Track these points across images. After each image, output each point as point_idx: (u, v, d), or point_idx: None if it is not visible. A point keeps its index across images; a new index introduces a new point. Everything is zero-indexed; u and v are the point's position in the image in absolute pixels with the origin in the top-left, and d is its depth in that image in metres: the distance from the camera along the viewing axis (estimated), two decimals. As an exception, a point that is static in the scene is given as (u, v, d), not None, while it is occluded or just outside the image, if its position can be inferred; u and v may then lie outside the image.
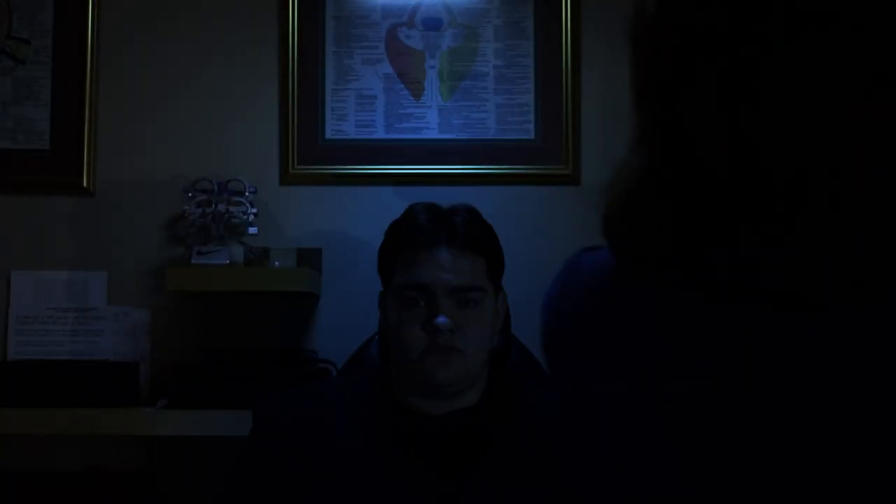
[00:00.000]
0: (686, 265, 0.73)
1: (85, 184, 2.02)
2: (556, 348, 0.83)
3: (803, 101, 0.68)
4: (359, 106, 2.05)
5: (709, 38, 0.71)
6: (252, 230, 1.92)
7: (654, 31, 0.76)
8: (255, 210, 1.93)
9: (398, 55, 2.07)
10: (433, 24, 2.07)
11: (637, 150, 0.78)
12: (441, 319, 1.37)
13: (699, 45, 0.72)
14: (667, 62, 0.74)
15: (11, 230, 2.02)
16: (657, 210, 0.74)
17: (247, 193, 1.92)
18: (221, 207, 1.90)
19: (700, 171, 0.72)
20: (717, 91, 0.71)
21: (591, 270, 0.82)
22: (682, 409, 0.74)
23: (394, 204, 1.56)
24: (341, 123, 2.05)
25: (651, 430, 0.75)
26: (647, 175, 0.76)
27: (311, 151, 2.03)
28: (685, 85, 0.72)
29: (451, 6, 2.07)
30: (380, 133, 2.04)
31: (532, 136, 2.03)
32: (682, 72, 0.73)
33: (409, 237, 1.44)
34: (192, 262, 1.86)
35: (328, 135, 2.05)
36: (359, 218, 2.01)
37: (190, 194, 1.91)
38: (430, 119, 2.05)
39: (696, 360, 0.73)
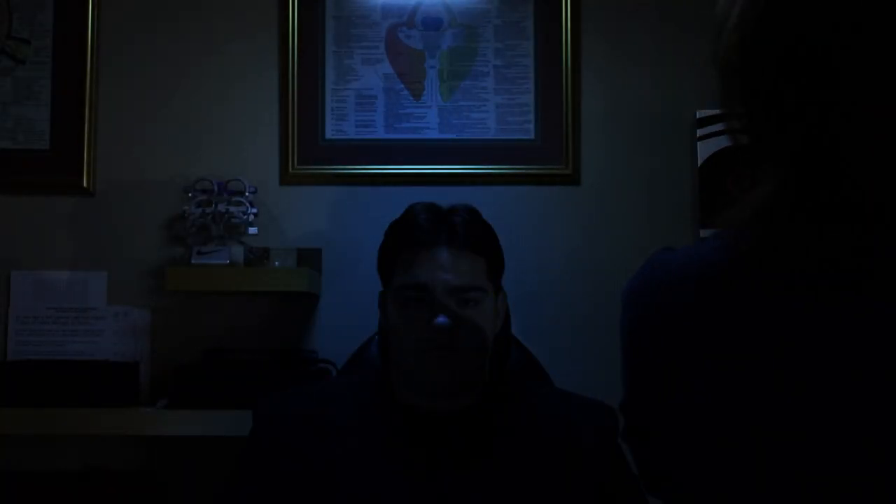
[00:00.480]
0: (831, 277, 0.71)
1: (85, 184, 2.02)
2: (640, 343, 0.80)
3: None
4: (359, 106, 2.05)
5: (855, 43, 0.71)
6: (252, 230, 1.92)
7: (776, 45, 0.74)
8: (255, 210, 1.93)
9: (398, 55, 2.07)
10: (433, 24, 2.07)
11: (764, 170, 0.76)
12: (441, 319, 1.37)
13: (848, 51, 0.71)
14: (803, 73, 0.72)
15: (11, 230, 2.02)
16: (802, 230, 0.72)
17: (247, 193, 1.93)
18: (221, 207, 1.90)
19: (853, 188, 0.71)
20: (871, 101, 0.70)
21: (683, 269, 0.79)
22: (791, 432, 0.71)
23: (394, 204, 1.56)
24: (341, 123, 2.05)
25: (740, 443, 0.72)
26: (784, 197, 0.74)
27: (311, 151, 2.03)
28: (833, 101, 0.71)
29: (451, 6, 2.07)
30: (380, 133, 2.04)
31: (532, 136, 2.03)
32: (828, 85, 0.71)
33: (409, 237, 1.44)
34: (192, 262, 1.86)
35: (328, 135, 2.05)
36: (359, 218, 2.01)
37: (190, 194, 1.91)
38: (430, 119, 2.05)
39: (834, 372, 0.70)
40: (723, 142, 1.91)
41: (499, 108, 2.05)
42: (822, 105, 0.72)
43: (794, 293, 0.72)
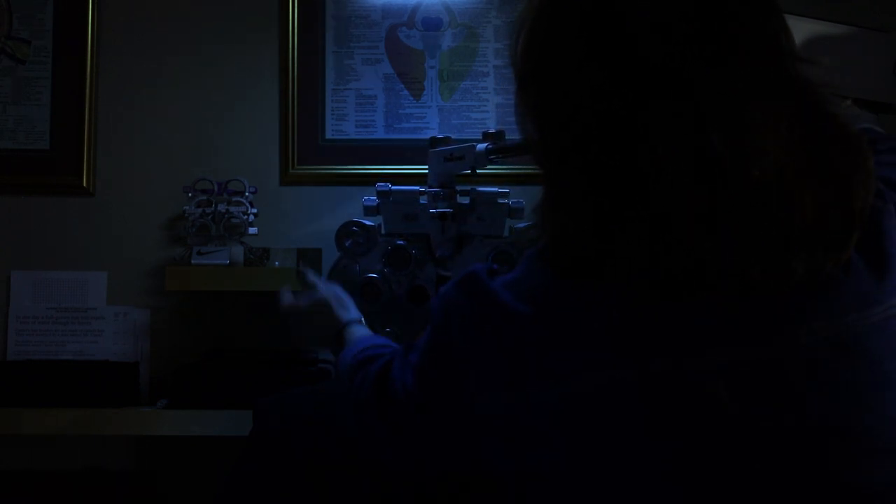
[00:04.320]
0: (642, 267, 0.77)
1: (85, 184, 2.02)
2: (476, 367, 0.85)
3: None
4: (359, 106, 2.05)
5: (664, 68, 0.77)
6: (252, 230, 1.92)
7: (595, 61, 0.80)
8: (255, 210, 1.93)
9: (398, 55, 2.07)
10: (433, 24, 2.07)
11: (567, 173, 0.82)
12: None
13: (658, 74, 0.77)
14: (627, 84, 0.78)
15: (11, 230, 2.02)
16: (620, 226, 0.77)
17: (247, 193, 1.93)
18: (221, 207, 1.90)
19: (660, 180, 0.75)
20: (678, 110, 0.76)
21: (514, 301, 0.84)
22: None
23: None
24: (341, 123, 2.05)
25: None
26: (591, 195, 0.79)
27: (311, 151, 2.03)
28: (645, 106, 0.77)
29: (451, 6, 2.07)
30: (380, 133, 2.04)
31: (532, 136, 2.03)
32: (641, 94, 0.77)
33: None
34: (192, 262, 1.86)
35: (328, 135, 2.05)
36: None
37: (190, 194, 1.91)
38: (430, 119, 2.05)
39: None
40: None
41: (499, 108, 2.05)
42: (621, 122, 0.77)
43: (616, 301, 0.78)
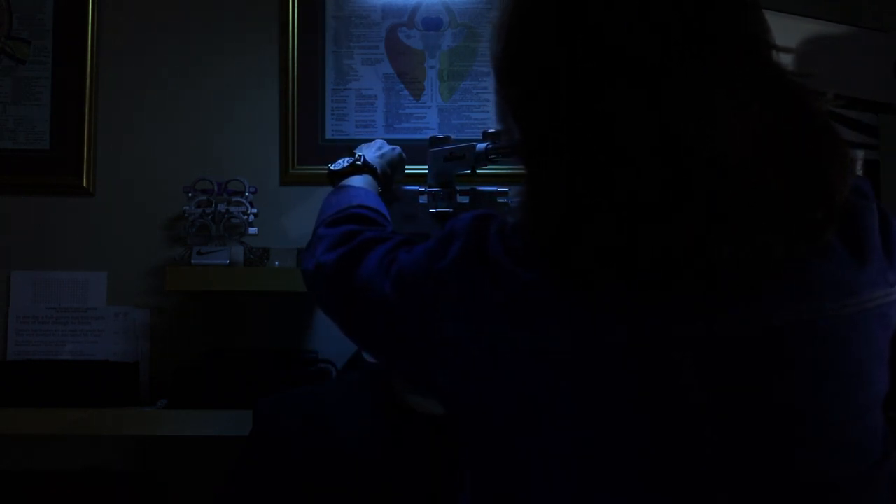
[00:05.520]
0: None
1: (85, 184, 2.02)
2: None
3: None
4: (359, 106, 2.05)
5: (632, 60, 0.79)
6: (252, 230, 1.93)
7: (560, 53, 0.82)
8: (255, 210, 1.93)
9: (398, 55, 2.07)
10: (433, 24, 2.07)
11: (540, 161, 0.85)
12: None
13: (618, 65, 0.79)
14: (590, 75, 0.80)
15: (11, 230, 2.02)
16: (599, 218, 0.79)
17: (247, 193, 1.93)
18: (221, 207, 1.90)
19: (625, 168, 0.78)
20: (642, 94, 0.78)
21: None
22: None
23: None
24: (341, 123, 2.05)
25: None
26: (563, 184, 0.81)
27: (311, 151, 2.04)
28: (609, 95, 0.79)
29: (451, 6, 2.07)
30: (380, 133, 2.04)
31: (532, 136, 2.03)
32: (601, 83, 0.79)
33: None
34: (192, 262, 1.86)
35: (328, 135, 2.05)
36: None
37: (190, 194, 1.91)
38: (430, 119, 2.05)
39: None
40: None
41: (499, 108, 2.05)
42: (590, 110, 0.79)
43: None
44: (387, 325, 0.93)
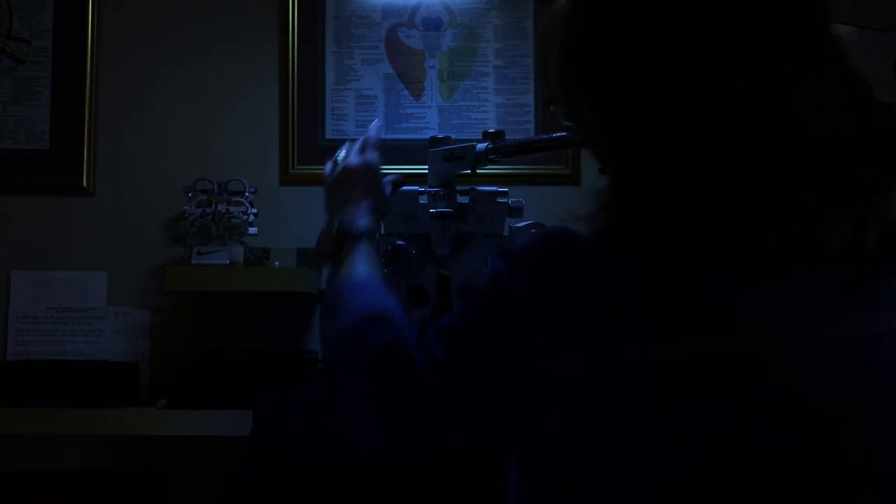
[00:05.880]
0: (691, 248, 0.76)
1: (85, 184, 2.02)
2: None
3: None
4: (359, 106, 2.05)
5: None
6: (252, 230, 1.92)
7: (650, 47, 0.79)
8: (255, 210, 1.93)
9: (398, 55, 2.07)
10: (433, 24, 2.07)
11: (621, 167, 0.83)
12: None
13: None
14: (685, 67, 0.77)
15: (11, 230, 2.02)
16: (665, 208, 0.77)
17: (247, 193, 1.93)
18: (221, 207, 1.90)
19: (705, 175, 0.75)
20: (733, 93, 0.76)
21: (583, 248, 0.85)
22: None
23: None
24: (341, 123, 2.05)
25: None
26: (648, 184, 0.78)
27: (311, 151, 2.03)
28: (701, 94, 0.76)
29: (451, 6, 2.07)
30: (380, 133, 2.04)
31: (532, 136, 2.03)
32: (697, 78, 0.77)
33: None
34: (192, 262, 1.86)
35: (328, 135, 2.05)
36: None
37: (190, 194, 1.91)
38: (430, 119, 2.05)
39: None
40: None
41: (499, 108, 2.05)
42: (692, 90, 0.77)
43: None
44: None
